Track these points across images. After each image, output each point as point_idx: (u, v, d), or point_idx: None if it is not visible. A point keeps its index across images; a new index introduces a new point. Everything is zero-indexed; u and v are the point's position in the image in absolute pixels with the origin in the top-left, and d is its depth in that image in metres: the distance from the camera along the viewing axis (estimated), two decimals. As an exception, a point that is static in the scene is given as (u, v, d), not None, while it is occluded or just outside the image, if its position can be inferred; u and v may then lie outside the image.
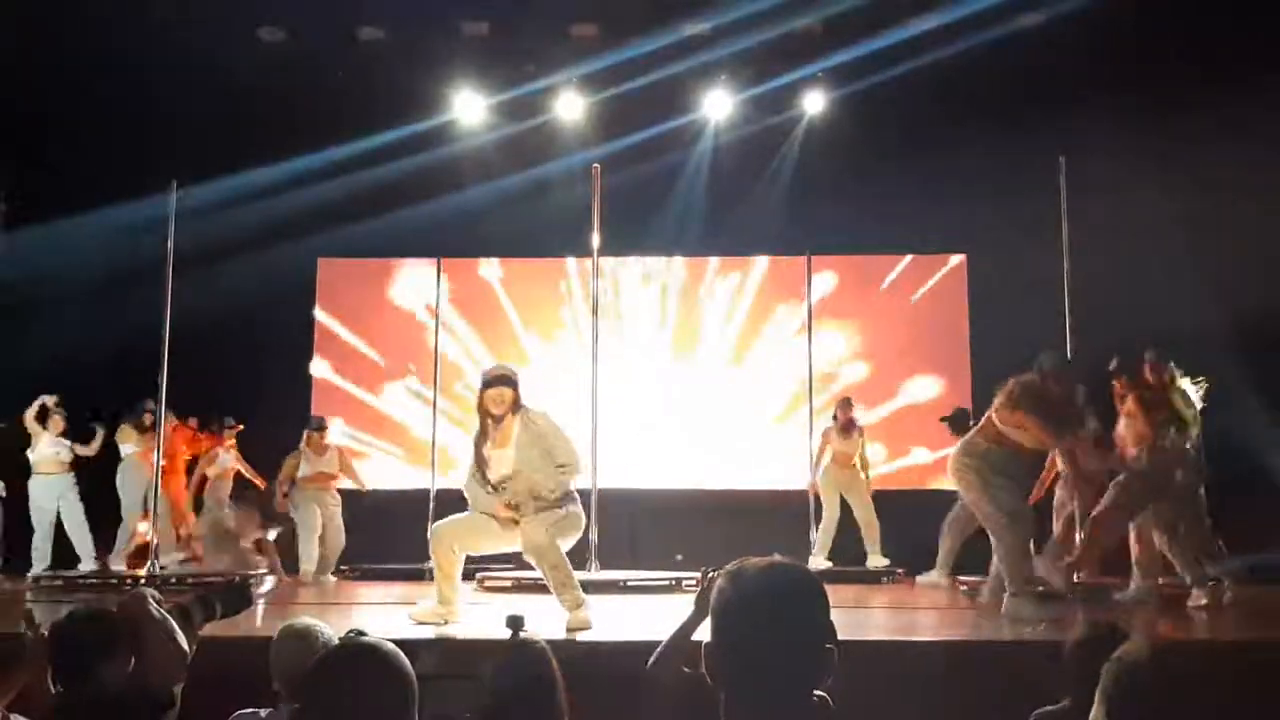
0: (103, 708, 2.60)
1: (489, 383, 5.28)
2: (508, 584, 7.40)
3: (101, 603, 3.35)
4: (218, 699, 2.91)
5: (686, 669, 2.46)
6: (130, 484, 8.97)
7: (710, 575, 2.80)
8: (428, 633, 4.96)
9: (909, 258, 10.79)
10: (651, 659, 2.62)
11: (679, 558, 8.71)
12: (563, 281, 11.07)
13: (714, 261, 11.07)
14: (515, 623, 2.77)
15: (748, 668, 1.60)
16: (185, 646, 2.77)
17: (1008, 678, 4.20)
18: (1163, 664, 1.75)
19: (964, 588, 7.33)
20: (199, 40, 9.20)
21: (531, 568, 7.97)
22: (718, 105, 10.29)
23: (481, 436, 5.32)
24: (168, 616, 2.87)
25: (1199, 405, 6.80)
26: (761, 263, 10.99)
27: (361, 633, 2.74)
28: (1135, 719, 1.72)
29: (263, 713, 2.80)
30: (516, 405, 5.24)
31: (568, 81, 10.20)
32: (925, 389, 10.59)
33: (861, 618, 6.18)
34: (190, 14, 8.98)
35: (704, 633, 2.42)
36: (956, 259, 10.72)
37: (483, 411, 5.28)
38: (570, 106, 10.27)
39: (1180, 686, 1.70)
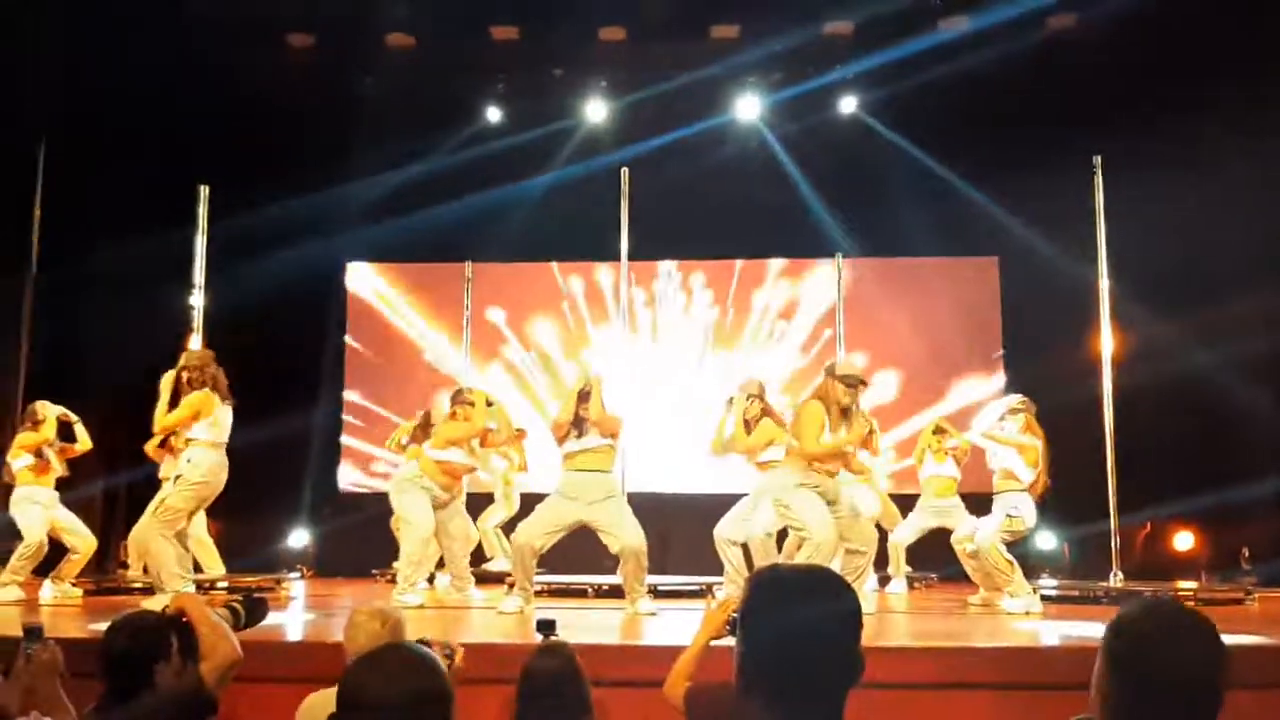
0: (155, 713, 2.61)
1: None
2: (538, 589, 7.37)
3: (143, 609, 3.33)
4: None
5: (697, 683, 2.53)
6: None
7: (720, 599, 2.82)
8: (460, 636, 4.94)
9: (941, 260, 10.69)
10: (668, 681, 2.67)
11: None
12: (591, 286, 11.06)
13: (743, 265, 11.03)
14: (546, 626, 2.84)
15: (781, 669, 1.58)
16: (238, 647, 2.79)
17: (1043, 683, 4.15)
18: (1159, 612, 1.77)
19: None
20: (228, 47, 9.25)
21: (561, 572, 8.05)
22: (747, 108, 10.26)
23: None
24: (219, 617, 2.88)
25: None
26: (792, 266, 10.94)
27: None
28: (1136, 668, 1.72)
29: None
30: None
31: (596, 85, 10.20)
32: (959, 394, 10.50)
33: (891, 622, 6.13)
34: (218, 21, 9.02)
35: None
36: (990, 261, 10.61)
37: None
38: (598, 110, 10.28)
39: (1178, 632, 1.71)
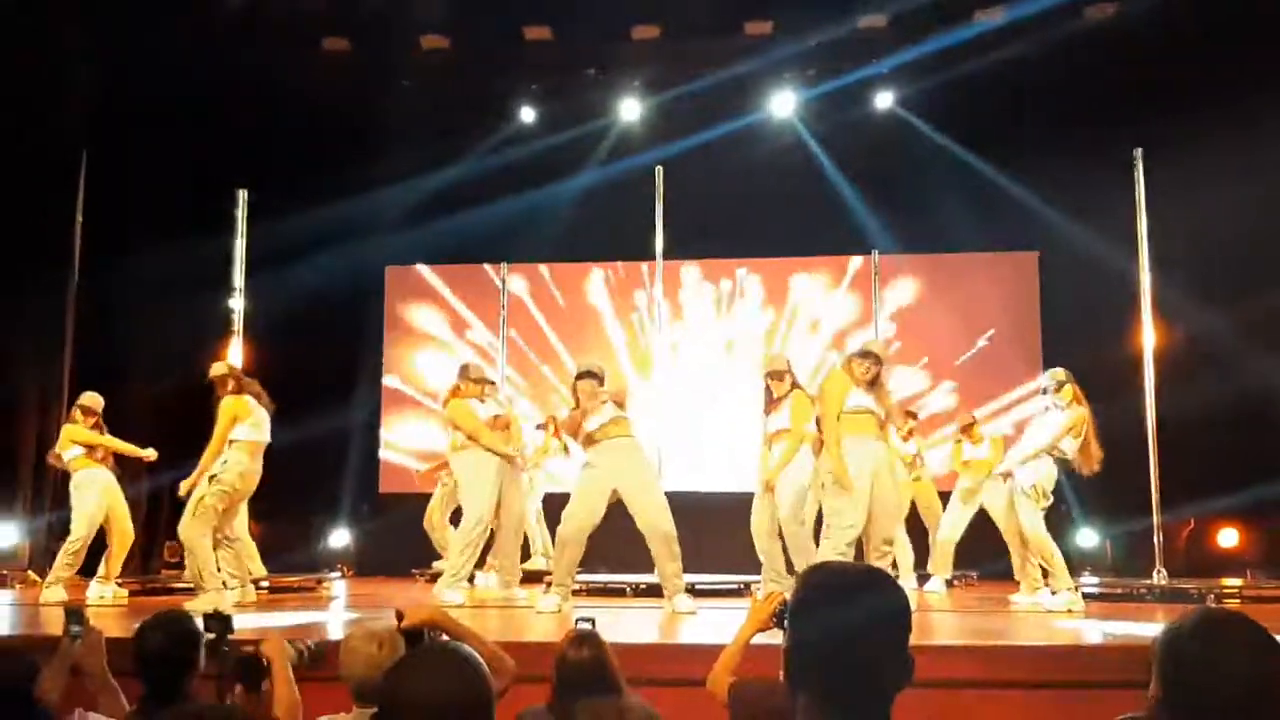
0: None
1: (581, 375, 6.57)
2: (576, 588, 7.38)
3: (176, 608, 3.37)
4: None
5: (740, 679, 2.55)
6: None
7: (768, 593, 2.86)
8: (498, 635, 4.96)
9: (980, 255, 10.58)
10: (711, 676, 2.68)
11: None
12: (626, 285, 11.05)
13: (779, 262, 10.97)
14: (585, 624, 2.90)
15: (830, 667, 1.54)
16: (296, 692, 2.82)
17: (1085, 682, 4.11)
18: (1212, 626, 1.71)
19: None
20: (264, 51, 9.32)
21: (595, 572, 8.06)
22: (782, 105, 10.20)
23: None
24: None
25: None
26: (828, 262, 10.87)
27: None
28: (1188, 686, 1.68)
29: (341, 716, 2.80)
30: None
31: (630, 84, 10.19)
32: (998, 389, 10.40)
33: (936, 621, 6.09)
34: (254, 26, 9.09)
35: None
36: (1030, 256, 10.49)
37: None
38: (632, 109, 10.27)
39: (1231, 648, 1.66)
